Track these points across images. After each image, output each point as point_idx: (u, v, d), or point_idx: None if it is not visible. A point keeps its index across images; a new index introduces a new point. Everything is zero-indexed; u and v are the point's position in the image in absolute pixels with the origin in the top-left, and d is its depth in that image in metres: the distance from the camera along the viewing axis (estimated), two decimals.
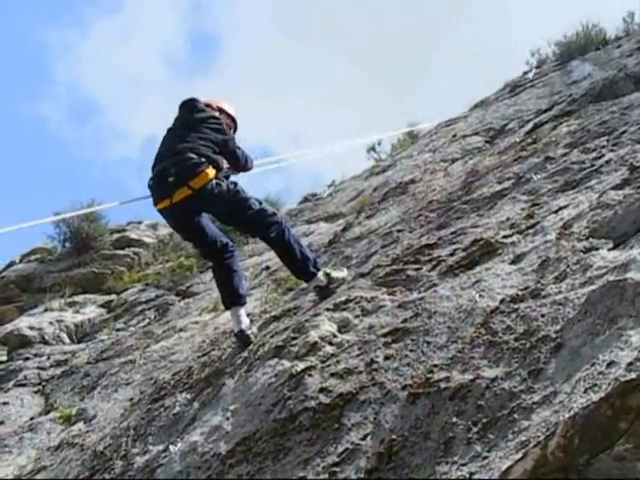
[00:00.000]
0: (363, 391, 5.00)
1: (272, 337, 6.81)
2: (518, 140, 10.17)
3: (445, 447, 4.14)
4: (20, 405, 11.01)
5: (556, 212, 6.24)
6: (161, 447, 6.25)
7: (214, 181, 7.41)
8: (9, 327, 14.15)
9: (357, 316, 6.21)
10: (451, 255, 6.42)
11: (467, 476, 3.81)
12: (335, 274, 7.59)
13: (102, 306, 14.38)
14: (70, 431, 8.69)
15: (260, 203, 7.80)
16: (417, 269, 6.52)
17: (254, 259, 12.85)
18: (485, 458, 3.87)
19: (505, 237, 6.19)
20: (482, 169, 9.29)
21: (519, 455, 3.61)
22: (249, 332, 7.34)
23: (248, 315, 8.52)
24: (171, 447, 6.02)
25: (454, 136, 13.42)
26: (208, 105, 8.29)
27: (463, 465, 3.93)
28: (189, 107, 8.14)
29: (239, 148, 8.22)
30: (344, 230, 10.60)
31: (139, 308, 13.21)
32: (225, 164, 7.93)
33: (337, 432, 4.81)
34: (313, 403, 5.21)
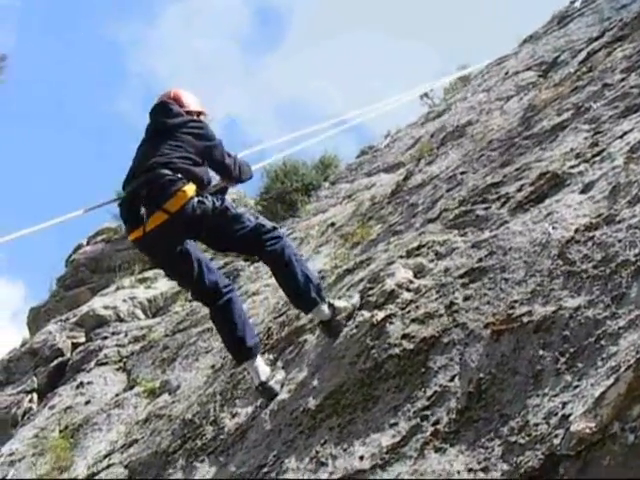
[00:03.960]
0: (446, 333, 5.01)
1: (348, 289, 6.84)
2: (572, 70, 10.01)
3: (534, 380, 4.13)
4: (104, 383, 11.21)
5: (621, 137, 6.15)
6: (250, 409, 6.32)
7: (195, 199, 6.15)
8: (84, 309, 14.38)
9: (431, 260, 6.22)
10: (519, 191, 6.38)
11: (560, 406, 3.81)
12: (340, 303, 6.32)
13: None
14: (156, 403, 8.82)
15: (256, 218, 6.63)
16: (486, 208, 6.49)
17: (318, 217, 12.87)
18: (576, 387, 3.86)
19: (572, 167, 6.13)
20: (539, 103, 9.18)
21: (611, 380, 3.59)
22: (272, 383, 6.23)
23: (319, 272, 8.56)
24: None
25: (506, 74, 13.28)
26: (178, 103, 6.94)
27: (555, 396, 3.92)
28: (162, 111, 6.83)
29: (229, 155, 6.86)
30: (406, 179, 10.55)
31: None
32: (212, 177, 6.78)
33: (424, 376, 4.83)
34: (397, 350, 5.24)
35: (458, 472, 3.95)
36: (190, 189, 6.15)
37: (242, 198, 16.28)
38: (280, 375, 6.36)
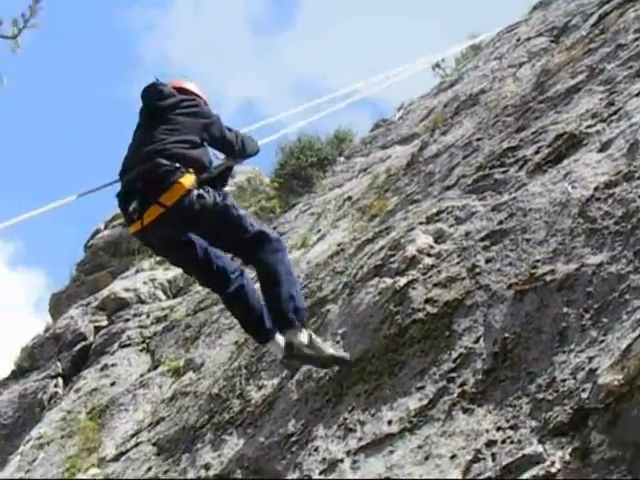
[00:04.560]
0: (469, 296, 5.04)
1: (369, 258, 6.85)
2: (585, 34, 9.95)
3: (560, 337, 4.16)
4: (128, 365, 11.26)
5: (637, 95, 6.12)
6: (276, 381, 6.36)
7: (194, 192, 5.71)
8: (105, 292, 14.43)
9: (451, 225, 6.22)
10: (536, 153, 6.36)
11: (586, 361, 3.83)
12: (322, 342, 5.76)
13: None
14: (181, 381, 8.85)
15: (260, 224, 6.22)
16: (504, 172, 6.47)
17: (334, 191, 12.85)
18: (602, 341, 3.88)
19: (589, 127, 6.10)
20: (552, 67, 9.14)
21: (637, 333, 3.60)
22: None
23: (338, 245, 8.59)
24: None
25: (518, 40, 13.19)
26: (176, 89, 6.52)
27: (581, 352, 3.94)
28: (153, 94, 6.41)
29: (230, 129, 6.49)
30: (421, 150, 10.52)
31: (228, 257, 13.33)
32: (213, 157, 6.41)
33: (449, 339, 4.86)
34: (421, 315, 5.27)
35: (487, 431, 3.99)
36: (188, 180, 5.72)
37: (258, 176, 16.30)
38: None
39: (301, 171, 14.62)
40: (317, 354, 5.60)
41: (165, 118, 6.15)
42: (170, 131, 6.05)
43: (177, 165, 5.75)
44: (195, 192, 5.70)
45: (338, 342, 5.98)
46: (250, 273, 6.58)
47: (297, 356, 5.67)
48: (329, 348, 5.67)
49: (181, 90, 6.52)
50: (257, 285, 6.23)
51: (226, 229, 5.92)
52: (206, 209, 5.74)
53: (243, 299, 6.07)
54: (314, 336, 5.71)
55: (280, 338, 5.89)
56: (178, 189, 5.67)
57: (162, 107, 6.25)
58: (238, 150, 6.53)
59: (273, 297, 5.83)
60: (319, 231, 10.82)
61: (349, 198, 11.44)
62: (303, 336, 5.63)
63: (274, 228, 12.99)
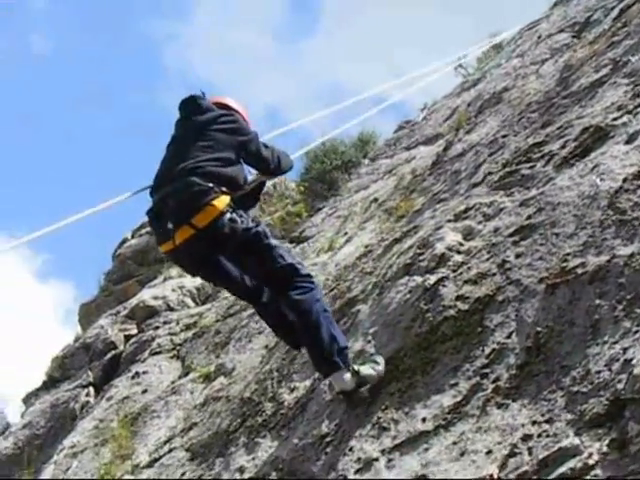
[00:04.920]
0: (500, 292, 5.02)
1: (398, 257, 6.84)
2: (607, 27, 9.92)
3: (593, 330, 4.14)
4: (159, 372, 11.30)
5: None
6: (308, 382, 6.36)
7: (227, 215, 5.57)
8: (134, 301, 14.50)
9: (480, 222, 6.21)
10: (562, 147, 6.34)
11: (621, 352, 3.81)
12: (366, 371, 5.43)
13: None
14: (212, 387, 8.87)
15: (292, 257, 6.04)
16: (531, 167, 6.45)
17: (360, 194, 12.87)
18: (636, 332, 3.86)
19: (615, 119, 6.08)
20: (575, 62, 9.11)
21: None
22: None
23: (366, 247, 8.58)
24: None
25: (539, 37, 13.17)
26: (215, 104, 6.41)
27: (615, 343, 3.93)
28: (191, 107, 6.30)
29: (266, 146, 6.36)
30: (446, 149, 10.51)
31: None
32: (248, 174, 6.27)
33: (481, 335, 4.85)
34: (452, 312, 5.26)
35: (522, 425, 3.98)
36: (221, 202, 5.58)
37: (283, 181, 16.33)
38: None
39: (326, 175, 14.66)
40: (370, 385, 5.44)
41: (201, 133, 6.02)
42: (206, 148, 5.91)
43: (210, 185, 5.61)
44: (228, 216, 5.57)
45: (369, 342, 5.98)
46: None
47: (354, 400, 5.47)
48: (372, 372, 5.42)
49: (220, 105, 6.38)
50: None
51: (255, 257, 5.78)
52: (236, 234, 5.60)
53: (275, 307, 6.00)
54: (357, 367, 5.44)
55: None
56: (211, 211, 5.54)
57: (199, 122, 6.12)
58: (274, 167, 6.42)
59: (314, 342, 5.57)
60: (346, 234, 10.83)
61: (375, 200, 11.45)
62: (348, 376, 5.40)
63: (301, 232, 13.05)
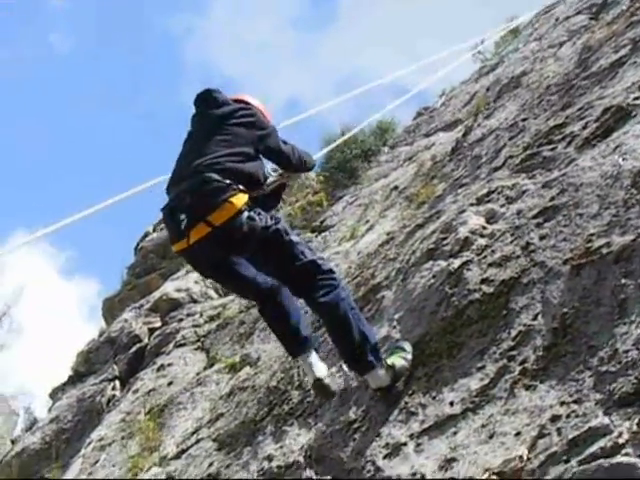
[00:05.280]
0: (525, 274, 5.01)
1: (421, 243, 6.84)
2: (625, 8, 9.86)
3: (619, 309, 4.12)
4: (184, 364, 11.35)
5: None
6: (334, 369, 6.36)
7: (245, 214, 5.29)
8: (157, 294, 14.56)
9: (502, 205, 6.19)
10: (584, 128, 6.31)
11: None
12: (399, 362, 5.38)
13: None
14: (238, 377, 8.90)
15: (313, 253, 5.75)
16: (552, 149, 6.43)
17: (381, 182, 12.87)
18: None
19: (636, 99, 6.03)
20: (594, 43, 9.06)
21: None
22: (327, 380, 5.59)
23: (388, 234, 8.57)
24: (344, 365, 6.11)
25: (556, 20, 13.11)
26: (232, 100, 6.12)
27: None
28: (207, 102, 6.03)
29: (285, 142, 6.10)
30: (465, 135, 10.50)
31: None
32: (269, 171, 6.02)
33: (507, 318, 4.84)
34: (477, 295, 5.26)
35: (551, 406, 3.97)
36: (240, 200, 5.29)
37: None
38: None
39: (346, 163, 14.68)
40: (405, 377, 5.36)
41: (218, 128, 5.74)
42: (223, 142, 5.64)
43: (228, 182, 5.33)
44: (246, 214, 5.28)
45: (395, 327, 5.98)
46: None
47: (392, 395, 5.33)
48: (404, 362, 5.38)
49: (238, 101, 6.10)
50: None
51: (275, 255, 5.51)
52: (255, 232, 5.31)
53: (280, 306, 5.76)
54: (389, 361, 5.36)
55: (315, 356, 5.67)
56: (229, 209, 5.25)
57: (216, 116, 5.84)
58: (295, 163, 6.16)
59: (345, 343, 5.43)
60: (367, 222, 10.83)
61: (396, 187, 11.45)
62: (382, 372, 5.31)
63: (322, 221, 13.05)
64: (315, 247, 11.85)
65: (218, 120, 5.79)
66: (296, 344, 5.74)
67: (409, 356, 5.41)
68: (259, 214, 5.36)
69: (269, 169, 6.06)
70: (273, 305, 5.77)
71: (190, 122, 6.17)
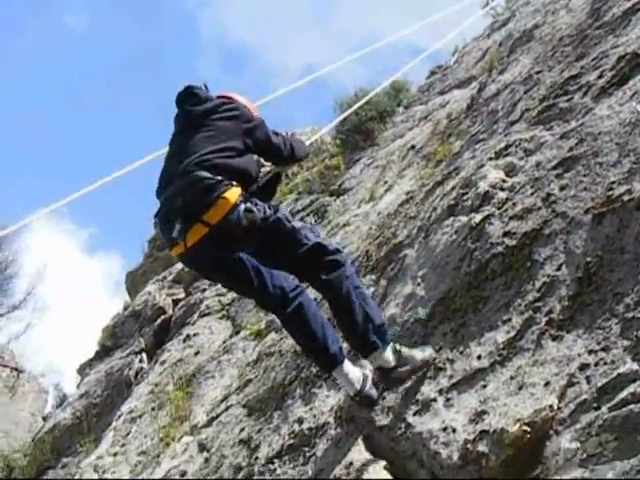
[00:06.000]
0: (547, 225, 5.00)
1: (441, 200, 6.84)
2: None
3: None
4: (210, 333, 11.40)
5: None
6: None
7: (241, 207, 5.04)
8: (179, 265, 14.59)
9: (521, 158, 6.18)
10: (599, 78, 6.27)
11: None
12: (409, 352, 5.17)
13: None
14: (264, 343, 8.92)
15: (317, 236, 5.47)
16: (568, 100, 6.40)
17: (397, 142, 12.84)
18: None
19: None
20: None
21: None
22: (367, 389, 5.19)
23: (407, 193, 8.55)
24: None
25: None
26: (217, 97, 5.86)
27: None
28: (188, 99, 5.76)
29: (276, 133, 5.83)
30: (480, 91, 10.44)
31: (297, 217, 13.37)
32: (261, 165, 5.88)
33: (531, 270, 4.84)
34: (500, 248, 5.26)
35: (579, 355, 3.98)
36: (233, 194, 5.06)
37: (319, 136, 16.33)
38: (366, 368, 5.34)
39: (361, 126, 14.64)
40: (410, 366, 5.12)
41: (202, 124, 5.50)
42: (209, 138, 5.40)
43: (219, 178, 5.09)
44: (242, 206, 5.04)
45: (419, 285, 5.99)
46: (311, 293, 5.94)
47: (391, 379, 5.19)
48: (417, 354, 5.15)
49: (221, 97, 5.84)
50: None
51: (279, 245, 5.25)
52: (255, 224, 5.06)
53: (303, 320, 5.28)
54: (398, 347, 5.18)
55: (348, 366, 5.24)
56: (223, 205, 5.00)
57: (198, 113, 5.60)
58: (287, 155, 5.87)
59: (349, 323, 5.22)
60: (386, 183, 10.81)
61: (412, 147, 11.42)
62: (388, 353, 5.14)
63: (340, 185, 13.05)
64: (335, 210, 11.87)
65: (202, 117, 5.55)
66: (325, 361, 5.35)
67: (426, 354, 5.15)
68: (256, 205, 5.12)
69: (261, 161, 5.94)
70: (292, 318, 5.34)
71: (173, 122, 5.90)
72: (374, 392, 5.21)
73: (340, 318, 5.31)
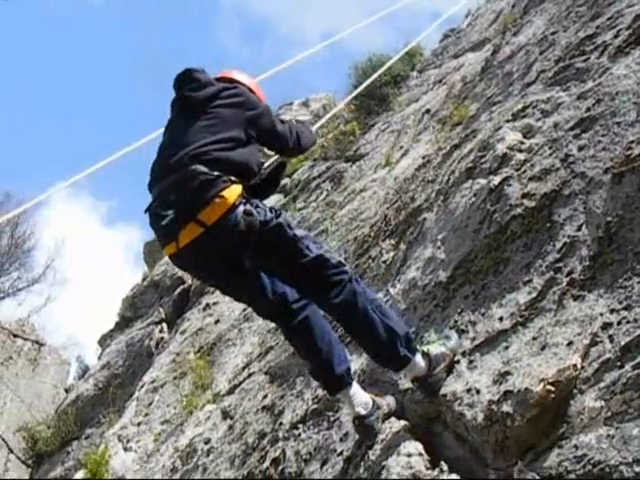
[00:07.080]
0: (566, 186, 5.00)
1: (459, 163, 6.83)
2: None
3: None
4: (229, 301, 11.41)
5: None
6: (380, 294, 6.39)
7: (240, 209, 4.60)
8: None
9: (538, 119, 6.16)
10: (615, 37, 6.24)
11: None
12: (436, 350, 4.83)
13: (278, 192, 14.57)
14: None
15: (319, 247, 4.85)
16: (585, 60, 6.38)
17: (412, 107, 12.83)
18: None
19: None
20: None
21: None
22: (371, 419, 4.89)
23: (424, 157, 8.55)
24: (391, 289, 6.16)
25: None
26: (218, 79, 5.43)
27: None
28: (187, 83, 5.26)
29: (282, 122, 5.44)
30: (494, 53, 10.41)
31: (314, 184, 13.39)
32: (264, 157, 5.44)
33: (551, 230, 4.84)
34: (519, 210, 5.25)
35: (601, 314, 3.98)
36: (232, 193, 4.63)
37: (332, 101, 16.32)
38: (388, 400, 5.12)
39: (376, 91, 14.62)
40: (443, 364, 4.80)
41: (202, 112, 5.05)
42: (208, 127, 4.96)
43: (217, 173, 4.67)
44: (241, 208, 4.62)
45: (439, 248, 6.00)
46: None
47: (429, 384, 4.75)
48: (443, 349, 4.85)
49: (225, 80, 5.44)
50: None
51: (278, 253, 4.79)
52: (254, 228, 4.63)
53: (308, 336, 4.98)
54: (425, 349, 4.83)
55: (357, 389, 4.99)
56: (221, 204, 4.58)
57: (198, 98, 5.14)
58: (293, 145, 5.49)
59: (374, 343, 4.77)
60: (401, 147, 10.81)
61: (427, 111, 11.41)
62: (419, 361, 4.75)
63: (356, 150, 13.04)
64: (351, 176, 11.87)
65: (201, 103, 5.10)
66: (330, 382, 5.05)
67: (451, 342, 4.90)
68: (257, 207, 4.71)
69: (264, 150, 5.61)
70: (296, 332, 5.06)
71: (170, 108, 5.44)
72: (378, 425, 4.91)
73: (361, 339, 4.89)
